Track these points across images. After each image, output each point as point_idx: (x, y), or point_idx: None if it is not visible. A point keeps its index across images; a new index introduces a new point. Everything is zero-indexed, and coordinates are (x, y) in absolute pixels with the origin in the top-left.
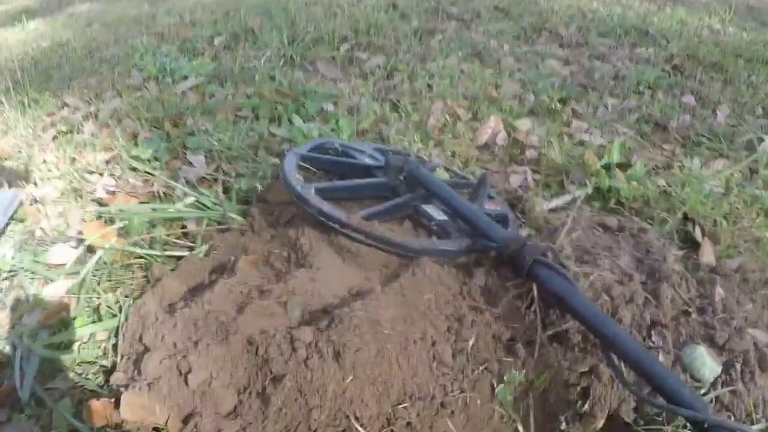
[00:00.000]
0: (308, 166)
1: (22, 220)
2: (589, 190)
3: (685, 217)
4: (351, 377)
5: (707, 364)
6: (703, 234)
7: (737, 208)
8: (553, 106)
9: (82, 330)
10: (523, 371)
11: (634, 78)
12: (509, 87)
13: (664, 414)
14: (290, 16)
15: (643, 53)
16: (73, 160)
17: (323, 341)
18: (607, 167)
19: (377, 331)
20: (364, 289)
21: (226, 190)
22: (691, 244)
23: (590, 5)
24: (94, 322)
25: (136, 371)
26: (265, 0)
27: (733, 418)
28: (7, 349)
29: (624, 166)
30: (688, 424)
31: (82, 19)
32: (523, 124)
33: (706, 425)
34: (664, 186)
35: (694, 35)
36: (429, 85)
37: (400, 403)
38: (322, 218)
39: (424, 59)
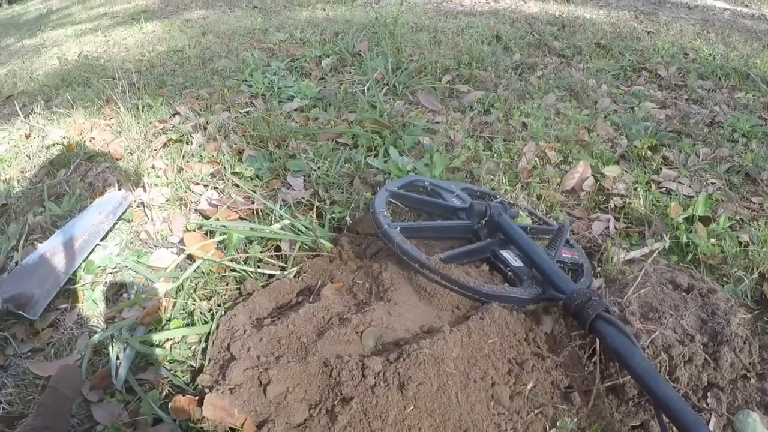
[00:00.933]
0: (398, 203)
1: (129, 221)
2: (666, 244)
3: (762, 277)
4: (412, 407)
5: (758, 430)
6: None
7: None
8: (644, 153)
9: (176, 331)
10: (576, 419)
11: (729, 125)
12: (602, 130)
13: None
14: (396, 42)
15: (742, 98)
16: (181, 169)
17: (390, 372)
18: (690, 220)
19: (441, 368)
20: (435, 328)
21: (320, 216)
22: (765, 305)
23: (693, 44)
24: (187, 325)
25: (221, 376)
26: (373, 21)
27: None
28: (107, 339)
29: (707, 220)
30: None
31: (197, 26)
32: (612, 170)
33: None
34: (745, 242)
35: None
36: (524, 124)
37: None
38: (403, 257)
39: (522, 96)
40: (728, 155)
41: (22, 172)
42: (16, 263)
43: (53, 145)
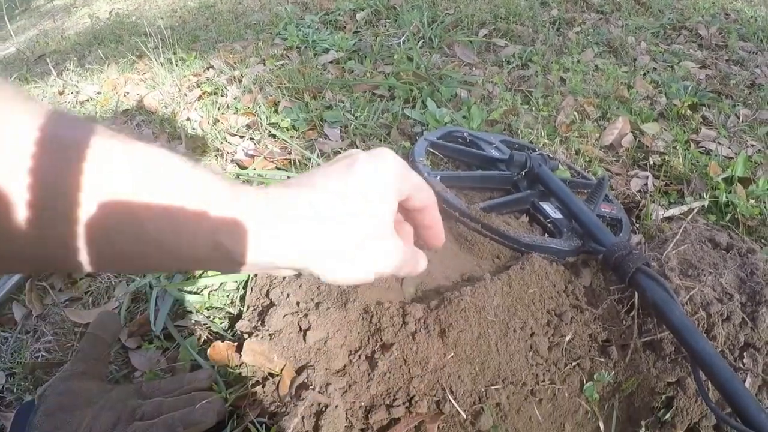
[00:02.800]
0: (437, 153)
1: None
2: (705, 202)
3: None
4: (452, 354)
5: None
6: None
7: None
8: (684, 112)
9: (214, 278)
10: (613, 372)
11: None
12: (641, 87)
13: None
14: None
15: None
16: (216, 121)
17: (431, 319)
18: (729, 180)
19: (481, 316)
20: (475, 276)
21: None
22: None
23: (734, 4)
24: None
25: (260, 322)
26: None
27: None
28: (145, 287)
29: (746, 181)
30: None
31: None
32: (651, 127)
33: None
34: None
35: None
36: (562, 79)
37: (492, 384)
38: (444, 205)
39: (560, 51)
40: None
41: None
42: None
43: (87, 100)
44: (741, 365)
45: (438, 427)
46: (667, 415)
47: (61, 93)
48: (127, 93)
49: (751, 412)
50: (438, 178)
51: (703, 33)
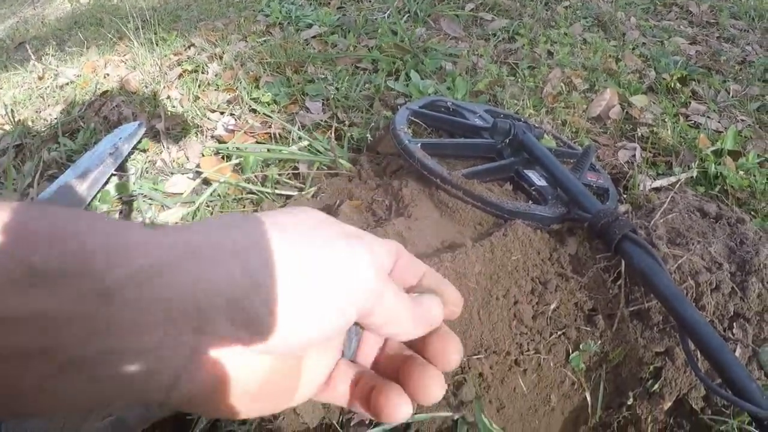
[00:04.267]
0: (419, 122)
1: (144, 150)
2: (694, 173)
3: None
4: None
5: None
6: None
7: None
8: (673, 85)
9: None
10: (600, 342)
11: (761, 65)
12: (630, 61)
13: (732, 407)
14: None
15: None
16: (197, 98)
17: None
18: (719, 153)
19: (462, 283)
20: (456, 243)
21: (339, 138)
22: None
23: None
24: None
25: None
26: None
27: None
28: None
29: (736, 154)
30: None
31: None
32: (639, 100)
33: (766, 423)
34: None
35: None
36: (549, 52)
37: (475, 354)
38: (424, 172)
39: (548, 25)
40: (759, 94)
41: (37, 112)
42: (32, 199)
43: (67, 84)
44: (731, 336)
45: None
46: (656, 386)
47: (40, 78)
48: (108, 75)
49: (742, 381)
50: (419, 145)
51: (694, 10)
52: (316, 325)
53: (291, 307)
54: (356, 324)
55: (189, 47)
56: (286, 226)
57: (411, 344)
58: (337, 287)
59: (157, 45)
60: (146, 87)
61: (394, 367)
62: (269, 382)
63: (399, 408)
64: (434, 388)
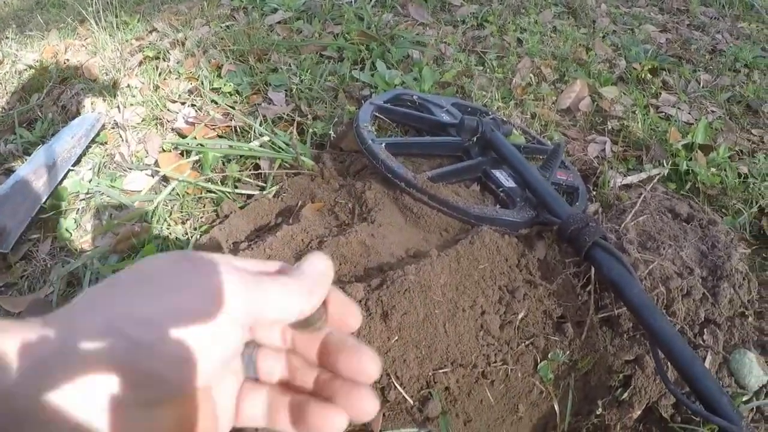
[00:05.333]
0: (384, 118)
1: (103, 143)
2: (666, 171)
3: (761, 211)
4: (396, 338)
5: (754, 372)
6: None
7: None
8: (644, 76)
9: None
10: (568, 351)
11: (731, 54)
12: (601, 50)
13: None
14: None
15: (746, 28)
16: (157, 87)
17: (373, 300)
18: (690, 147)
19: (427, 296)
20: (421, 251)
21: (301, 132)
22: (763, 241)
23: None
24: (162, 250)
25: None
26: None
27: None
28: (79, 269)
29: (707, 148)
30: None
31: None
32: (610, 91)
33: None
34: (744, 174)
35: None
36: (519, 40)
37: (441, 368)
38: (388, 174)
39: (517, 11)
40: (729, 84)
41: None
42: None
43: (26, 69)
44: (701, 342)
45: (383, 415)
46: (625, 394)
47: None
48: (68, 60)
49: (712, 394)
50: (383, 145)
51: None
52: (216, 354)
53: (186, 352)
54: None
55: (151, 32)
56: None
57: (323, 363)
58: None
59: (118, 29)
60: (106, 74)
61: (309, 381)
62: (185, 425)
63: (336, 422)
64: (367, 404)
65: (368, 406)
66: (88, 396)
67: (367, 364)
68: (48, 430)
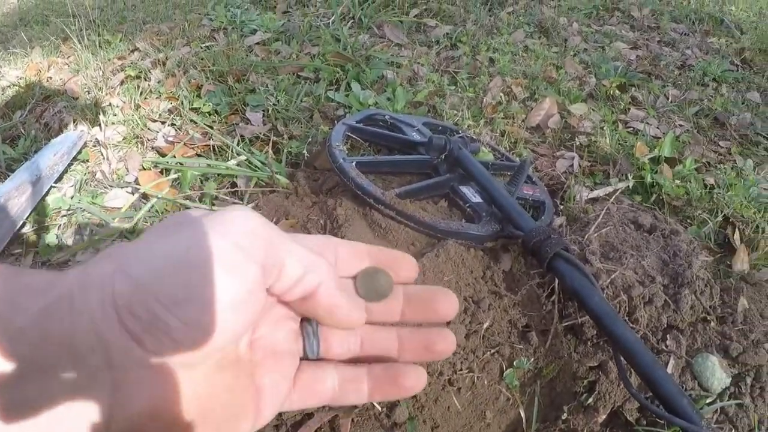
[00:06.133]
0: (356, 137)
1: (85, 161)
2: (630, 183)
3: (726, 220)
4: None
5: (716, 374)
6: (741, 239)
7: None
8: (612, 92)
9: None
10: (533, 359)
11: (700, 69)
12: (571, 68)
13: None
14: None
15: (715, 43)
16: (138, 106)
17: None
18: (656, 160)
19: None
20: None
21: (277, 152)
22: (728, 249)
23: None
24: None
25: None
26: None
27: None
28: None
29: (673, 161)
30: None
31: None
32: (579, 108)
33: None
34: (711, 185)
35: None
36: (491, 60)
37: None
38: (358, 191)
39: (491, 32)
40: (698, 98)
41: None
42: None
43: (9, 86)
44: (664, 347)
45: (352, 421)
46: (590, 399)
47: None
48: (51, 78)
49: (674, 397)
50: (354, 163)
51: (635, 14)
52: (224, 293)
53: (187, 291)
54: (308, 321)
55: (133, 51)
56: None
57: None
58: (224, 246)
59: (101, 48)
60: (89, 93)
61: (385, 345)
62: (215, 402)
63: (420, 379)
64: (449, 342)
65: (449, 344)
66: (88, 347)
67: (444, 303)
68: (48, 376)
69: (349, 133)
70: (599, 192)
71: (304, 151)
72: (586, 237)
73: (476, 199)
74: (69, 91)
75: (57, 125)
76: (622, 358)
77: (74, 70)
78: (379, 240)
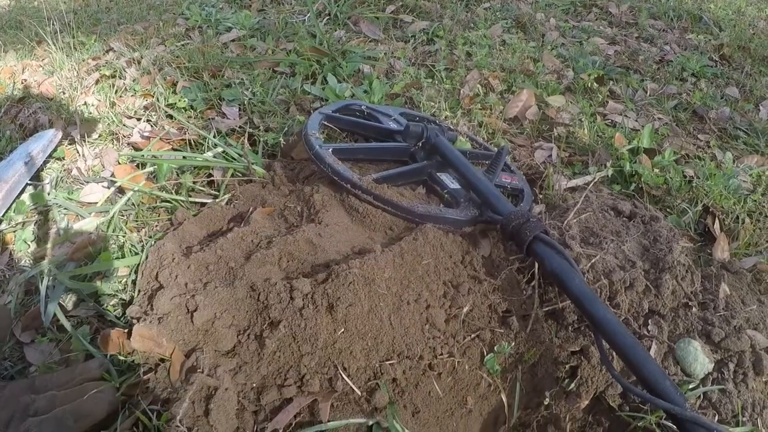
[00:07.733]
0: (333, 126)
1: (60, 159)
2: (609, 172)
3: (706, 210)
4: (342, 330)
5: (699, 359)
6: (721, 228)
7: (763, 206)
8: (590, 85)
9: (105, 264)
10: (514, 343)
11: (679, 63)
12: (549, 62)
13: (649, 404)
14: None
15: (693, 40)
16: (113, 104)
17: (319, 293)
18: (635, 151)
19: (372, 289)
20: (366, 248)
21: (254, 143)
22: (708, 238)
23: None
24: (117, 258)
25: (149, 306)
26: None
27: (718, 418)
28: (36, 277)
29: (652, 152)
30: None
31: None
32: (556, 100)
33: (681, 419)
34: (690, 176)
35: (749, 25)
36: (468, 54)
37: (387, 360)
38: (335, 177)
39: (467, 27)
40: (676, 93)
41: None
42: None
43: None
44: (646, 332)
45: (332, 405)
46: (572, 385)
47: None
48: (25, 80)
49: (656, 379)
50: (330, 150)
51: (613, 11)
52: None
53: None
54: None
55: (108, 51)
56: None
57: None
58: None
59: (75, 49)
60: (63, 93)
61: None
62: None
63: None
64: None
65: None
66: None
67: None
68: None
69: (326, 122)
70: (578, 181)
71: (281, 141)
72: (565, 222)
73: (454, 185)
74: (44, 92)
75: (32, 125)
76: (603, 341)
77: (49, 71)
78: (356, 225)
